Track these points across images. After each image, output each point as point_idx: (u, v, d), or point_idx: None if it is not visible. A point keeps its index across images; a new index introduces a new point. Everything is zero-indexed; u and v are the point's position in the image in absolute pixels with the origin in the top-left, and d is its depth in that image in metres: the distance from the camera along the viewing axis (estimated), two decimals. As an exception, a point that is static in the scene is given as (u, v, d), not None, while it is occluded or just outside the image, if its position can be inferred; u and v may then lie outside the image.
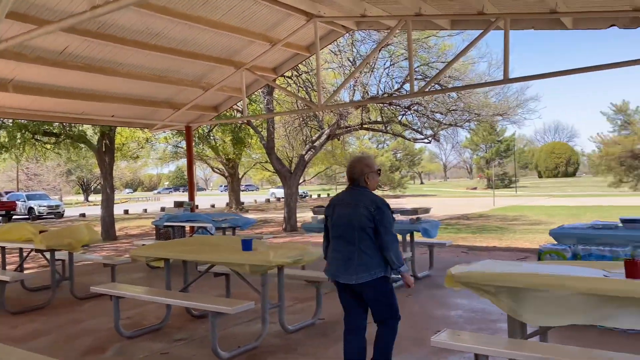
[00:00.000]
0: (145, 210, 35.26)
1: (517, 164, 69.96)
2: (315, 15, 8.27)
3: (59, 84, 8.54)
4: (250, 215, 25.76)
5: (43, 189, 45.01)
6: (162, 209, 24.48)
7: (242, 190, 59.67)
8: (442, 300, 6.37)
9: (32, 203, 31.06)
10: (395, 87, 15.56)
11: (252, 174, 48.34)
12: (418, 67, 15.10)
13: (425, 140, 19.43)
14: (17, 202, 31.29)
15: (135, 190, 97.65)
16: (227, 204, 33.62)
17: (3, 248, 8.25)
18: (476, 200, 36.99)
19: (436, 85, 13.95)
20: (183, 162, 35.50)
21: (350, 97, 16.14)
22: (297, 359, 4.47)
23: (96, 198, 45.49)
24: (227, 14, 7.72)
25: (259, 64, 9.66)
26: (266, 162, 28.64)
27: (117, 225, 18.35)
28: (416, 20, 7.54)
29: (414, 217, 7.69)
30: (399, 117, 17.71)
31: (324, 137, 16.45)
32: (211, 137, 25.36)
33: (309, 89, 15.62)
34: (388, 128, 18.92)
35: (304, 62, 13.58)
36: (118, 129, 17.75)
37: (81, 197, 61.16)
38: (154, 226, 10.67)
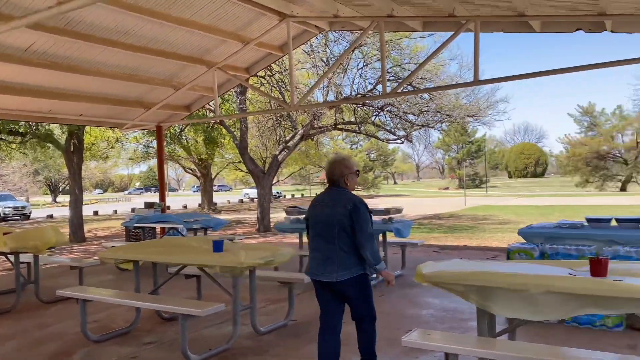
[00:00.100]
0: (115, 211, 34.63)
1: (488, 164, 71.24)
2: (288, 15, 8.23)
3: (24, 82, 8.30)
4: (223, 216, 25.54)
5: (9, 189, 43.65)
6: (133, 210, 24.06)
7: (215, 191, 59.19)
8: (414, 300, 6.42)
9: (-3, 204, 30.19)
10: (369, 88, 15.64)
11: (225, 174, 48.02)
12: (391, 68, 15.22)
13: (398, 141, 19.61)
14: (-19, 203, 30.34)
15: (105, 190, 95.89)
16: (200, 205, 33.27)
17: (-35, 251, 7.97)
18: (448, 200, 37.49)
19: (408, 86, 14.06)
20: (154, 162, 35.00)
21: (323, 97, 16.15)
22: (269, 361, 4.44)
23: (64, 199, 44.41)
24: (198, 13, 7.62)
25: (231, 63, 9.57)
26: (239, 162, 28.44)
27: (86, 227, 17.96)
28: (388, 22, 7.57)
29: (387, 217, 7.74)
30: (372, 118, 17.83)
31: (297, 137, 16.42)
32: (183, 137, 25.06)
33: (282, 89, 15.57)
34: (361, 129, 19.00)
35: (277, 62, 13.54)
36: (87, 129, 17.37)
37: (49, 198, 59.65)
38: (124, 227, 10.47)
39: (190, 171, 34.63)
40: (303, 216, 8.53)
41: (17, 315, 6.40)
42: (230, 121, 19.02)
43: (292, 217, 8.58)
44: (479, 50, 6.99)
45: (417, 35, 14.68)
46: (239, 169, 35.64)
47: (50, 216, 31.31)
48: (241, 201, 45.53)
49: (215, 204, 34.01)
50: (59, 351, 4.92)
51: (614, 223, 5.56)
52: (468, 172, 60.94)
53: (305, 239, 9.09)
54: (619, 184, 46.58)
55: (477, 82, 7.33)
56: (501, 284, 3.10)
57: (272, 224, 16.15)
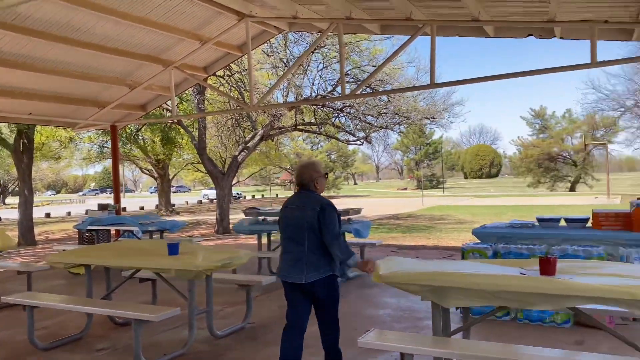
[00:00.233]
0: (69, 213, 33.52)
1: (445, 165, 72.80)
2: (246, 15, 8.17)
3: (-32, 78, 7.94)
4: (182, 218, 25.11)
5: (-48, 191, 41.63)
6: (87, 212, 23.34)
7: (174, 192, 58.18)
8: (372, 300, 6.48)
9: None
10: (328, 89, 15.71)
11: (183, 174, 47.20)
12: (350, 70, 15.33)
13: (358, 142, 19.75)
14: None
15: (58, 192, 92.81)
16: (157, 206, 32.59)
17: None
18: (406, 200, 38.07)
19: (367, 88, 14.20)
20: (110, 162, 34.05)
21: (283, 98, 16.11)
22: (226, 365, 4.38)
23: (14, 201, 42.66)
24: (154, 11, 7.46)
25: (188, 62, 9.43)
26: (198, 162, 28.00)
27: (37, 230, 17.29)
28: (347, 24, 7.62)
29: (346, 217, 7.78)
30: (332, 119, 17.90)
31: (257, 137, 16.31)
32: (139, 137, 24.48)
33: (241, 89, 15.43)
34: (321, 130, 19.05)
35: (236, 62, 13.41)
36: (38, 128, 16.74)
37: (-3, 200, 57.12)
38: (77, 230, 10.14)
39: (147, 172, 33.88)
40: (262, 217, 8.49)
41: (-41, 323, 6.09)
42: (189, 121, 18.72)
43: (251, 218, 8.51)
44: (435, 54, 7.13)
45: (376, 38, 14.84)
46: (198, 169, 35.11)
47: (-2, 219, 30.02)
48: (200, 202, 44.85)
49: (173, 205, 33.41)
50: (5, 360, 4.72)
51: (563, 223, 5.77)
52: (426, 173, 62.14)
53: (264, 240, 9.06)
54: (569, 185, 48.42)
55: (433, 85, 7.48)
56: (455, 284, 3.16)
57: (231, 226, 15.98)
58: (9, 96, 8.65)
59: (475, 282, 3.09)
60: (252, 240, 12.31)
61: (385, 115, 16.98)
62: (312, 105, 16.43)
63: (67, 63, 8.34)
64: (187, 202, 45.68)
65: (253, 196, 55.93)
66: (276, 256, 8.01)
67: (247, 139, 16.77)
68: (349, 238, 7.90)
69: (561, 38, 6.72)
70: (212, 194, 42.71)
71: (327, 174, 3.96)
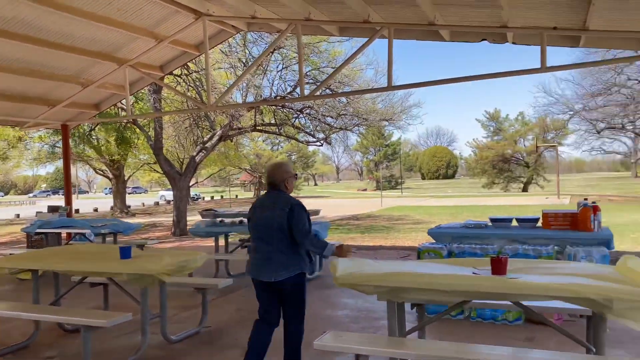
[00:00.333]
0: (17, 216, 32.20)
1: (403, 166, 73.91)
2: (204, 14, 8.04)
3: None
4: (138, 220, 24.55)
5: None
6: (37, 214, 22.47)
7: (129, 193, 56.65)
8: (331, 301, 6.49)
9: None
10: (288, 90, 15.68)
11: (140, 175, 46.04)
12: (309, 71, 15.35)
13: (318, 143, 19.81)
14: None
15: (7, 193, 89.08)
16: (112, 208, 31.71)
17: None
18: (366, 201, 38.42)
19: (327, 89, 14.25)
20: (62, 162, 32.87)
21: (243, 98, 15.97)
22: (180, 370, 4.30)
23: (-43, 202, 40.64)
24: (108, 7, 7.24)
25: (144, 60, 9.19)
26: (155, 163, 27.41)
27: (-18, 233, 16.53)
28: (306, 25, 7.62)
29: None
30: (292, 120, 17.88)
31: (215, 138, 16.11)
32: (93, 137, 23.76)
33: (199, 89, 15.20)
34: (281, 130, 19.01)
35: (194, 61, 13.20)
36: (-17, 126, 16.03)
37: (-61, 202, 54.31)
38: (25, 233, 9.73)
39: (102, 172, 32.91)
40: (219, 219, 8.38)
41: None
42: (145, 121, 18.30)
43: (208, 220, 8.39)
44: (393, 57, 7.21)
45: (335, 40, 14.91)
46: (155, 170, 34.34)
47: (-60, 222, 28.52)
48: (157, 204, 43.95)
49: (129, 206, 32.59)
50: (-56, 372, 4.47)
51: (514, 223, 5.94)
52: (385, 174, 62.89)
53: (221, 242, 8.95)
54: (522, 185, 50.01)
55: (390, 87, 7.56)
56: (410, 284, 3.20)
57: (189, 227, 15.71)
58: (-49, 93, 8.23)
59: (429, 282, 3.13)
60: (210, 242, 12.15)
61: (345, 116, 17.10)
62: (272, 105, 16.36)
63: (14, 60, 7.99)
64: (143, 203, 44.67)
65: (212, 197, 55.18)
66: (234, 258, 7.93)
67: (206, 139, 16.54)
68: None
69: (513, 43, 6.92)
70: (170, 195, 41.90)
71: (296, 174, 4.08)
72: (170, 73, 11.32)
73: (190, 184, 21.50)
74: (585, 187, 49.29)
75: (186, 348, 4.82)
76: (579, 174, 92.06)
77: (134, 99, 18.50)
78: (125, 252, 4.55)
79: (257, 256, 3.82)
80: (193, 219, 18.74)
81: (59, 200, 51.84)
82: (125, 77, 9.14)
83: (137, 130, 19.19)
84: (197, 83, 15.28)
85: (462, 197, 39.80)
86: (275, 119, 17.60)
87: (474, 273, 3.31)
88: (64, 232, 9.28)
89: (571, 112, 30.34)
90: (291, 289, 3.75)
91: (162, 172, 18.96)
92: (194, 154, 16.28)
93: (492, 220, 5.99)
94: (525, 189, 48.79)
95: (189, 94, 15.05)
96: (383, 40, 7.34)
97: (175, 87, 14.98)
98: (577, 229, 5.41)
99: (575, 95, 29.14)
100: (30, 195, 78.91)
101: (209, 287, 5.27)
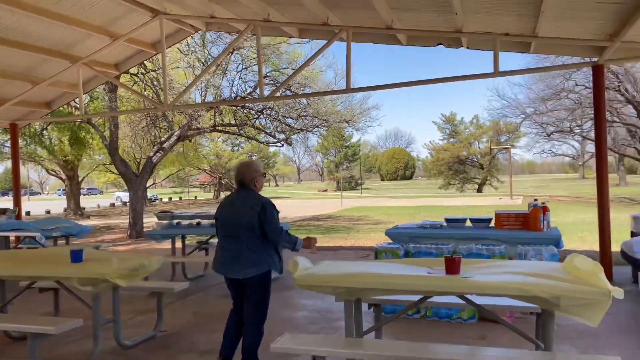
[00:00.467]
0: (-38, 218, 30.64)
1: (363, 167, 74.63)
2: (161, 12, 7.92)
3: None
4: (92, 222, 23.87)
5: None
6: (-17, 217, 21.46)
7: (84, 194, 55.07)
8: (289, 302, 6.48)
9: None
10: (248, 91, 15.58)
11: (95, 176, 44.75)
12: (269, 72, 15.31)
13: (278, 144, 19.77)
14: None
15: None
16: (66, 210, 30.69)
17: None
18: (326, 201, 38.56)
19: (287, 90, 14.24)
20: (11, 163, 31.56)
21: (202, 98, 15.76)
22: (135, 376, 4.20)
23: None
24: (60, 2, 7.03)
25: (98, 59, 8.97)
26: (110, 163, 26.70)
27: None
28: (265, 26, 7.60)
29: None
30: (253, 121, 17.78)
31: (173, 138, 15.82)
32: (45, 137, 22.93)
33: (157, 88, 14.90)
34: (242, 131, 18.86)
35: (151, 60, 12.95)
36: None
37: None
38: (-30, 237, 9.28)
39: (55, 173, 31.80)
40: (176, 221, 8.24)
41: None
42: (100, 120, 17.80)
43: (165, 222, 8.24)
44: (351, 59, 7.28)
45: (295, 42, 14.92)
46: (110, 171, 33.45)
47: None
48: (113, 205, 42.79)
49: (84, 208, 31.62)
50: None
51: (469, 223, 6.10)
52: (345, 175, 63.35)
53: (178, 245, 8.80)
54: (476, 186, 51.28)
55: (349, 89, 7.64)
56: (366, 285, 3.24)
57: (145, 230, 15.37)
58: None
59: (385, 283, 3.18)
60: (166, 245, 11.92)
61: (305, 118, 17.14)
62: (232, 106, 16.22)
63: (-42, 55, 7.66)
64: (98, 205, 43.38)
65: (170, 198, 54.14)
66: (191, 261, 7.81)
67: (163, 139, 16.23)
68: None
69: (468, 48, 7.11)
70: (126, 196, 40.89)
71: (265, 173, 4.15)
72: (127, 72, 11.07)
73: (148, 185, 21.08)
74: (537, 188, 51.03)
75: (141, 353, 4.71)
76: (531, 176, 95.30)
77: (88, 97, 17.97)
78: (76, 256, 4.41)
79: (226, 254, 3.87)
80: (150, 220, 18.35)
81: (7, 202, 49.77)
82: (78, 75, 8.89)
83: (92, 130, 18.65)
84: (155, 82, 14.98)
85: (419, 197, 40.49)
86: (235, 119, 17.47)
87: (428, 273, 3.38)
88: (12, 236, 8.91)
89: (523, 116, 31.30)
90: (256, 287, 3.81)
91: (117, 173, 18.49)
92: (151, 154, 15.95)
93: (447, 220, 6.13)
94: (479, 190, 50.04)
95: (146, 93, 14.73)
96: (342, 43, 7.41)
97: (132, 86, 14.64)
98: (527, 228, 5.60)
99: (527, 100, 30.10)
100: (-23, 196, 75.41)
101: (165, 291, 5.18)
